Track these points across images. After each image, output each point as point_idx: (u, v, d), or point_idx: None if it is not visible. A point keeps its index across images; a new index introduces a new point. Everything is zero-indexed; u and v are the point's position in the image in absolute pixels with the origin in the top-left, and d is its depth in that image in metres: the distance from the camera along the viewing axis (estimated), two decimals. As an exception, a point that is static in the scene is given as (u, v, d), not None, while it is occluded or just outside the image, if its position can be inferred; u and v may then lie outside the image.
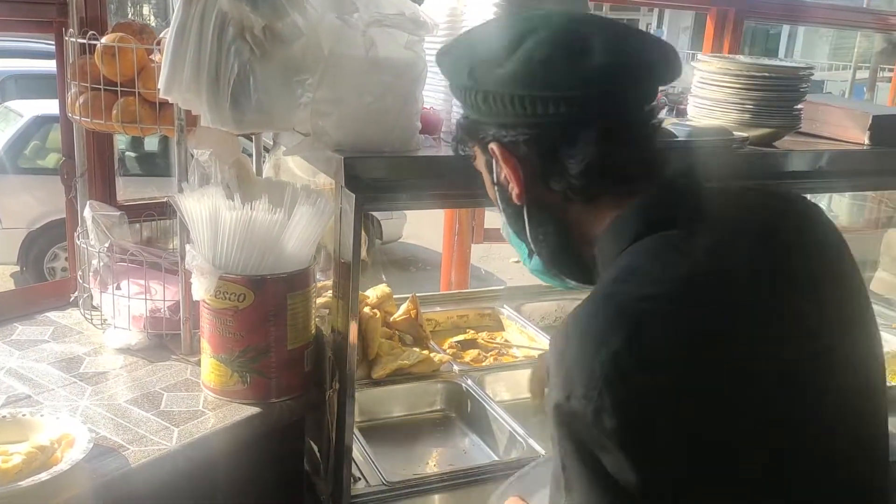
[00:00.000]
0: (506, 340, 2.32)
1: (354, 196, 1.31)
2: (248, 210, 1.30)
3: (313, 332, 1.47)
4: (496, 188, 1.05)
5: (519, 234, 1.09)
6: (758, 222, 1.00)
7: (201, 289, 1.35)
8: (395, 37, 1.34)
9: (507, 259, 6.91)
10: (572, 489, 0.85)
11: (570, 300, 2.55)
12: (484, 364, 2.14)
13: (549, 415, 0.87)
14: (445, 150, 1.52)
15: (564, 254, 1.06)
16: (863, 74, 17.07)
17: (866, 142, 1.83)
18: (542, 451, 1.65)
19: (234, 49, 1.34)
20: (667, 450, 0.82)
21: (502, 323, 2.43)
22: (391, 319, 2.13)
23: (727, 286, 0.89)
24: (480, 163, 1.07)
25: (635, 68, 0.97)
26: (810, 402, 0.89)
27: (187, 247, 1.37)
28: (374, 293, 2.17)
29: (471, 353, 2.19)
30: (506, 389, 2.04)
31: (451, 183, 1.43)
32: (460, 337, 2.29)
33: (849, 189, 1.85)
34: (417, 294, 2.46)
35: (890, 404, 1.01)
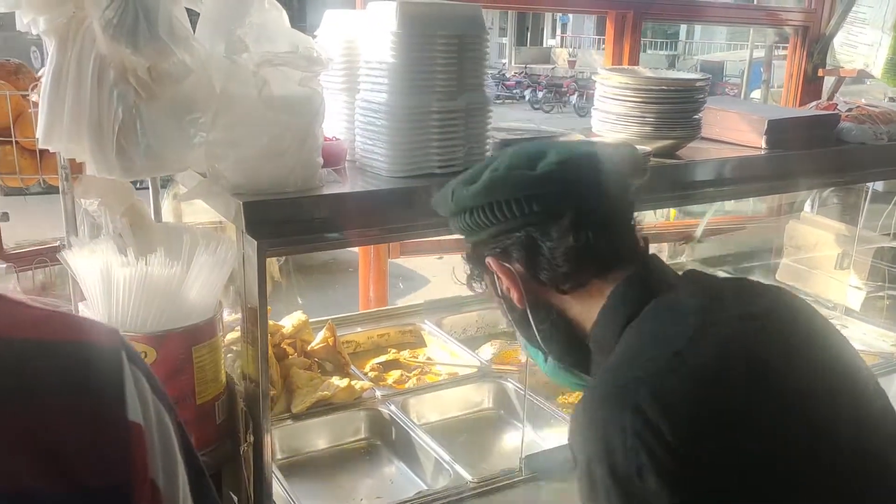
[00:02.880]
0: (428, 358, 2.29)
1: (257, 243, 1.26)
2: (142, 265, 1.23)
3: (223, 381, 1.41)
4: (502, 302, 1.17)
5: (530, 340, 1.19)
6: (731, 294, 1.10)
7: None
8: (289, 74, 1.29)
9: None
10: None
11: (490, 310, 2.55)
12: (407, 385, 2.11)
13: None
14: (351, 184, 1.48)
15: (572, 348, 1.14)
16: (759, 53, 17.73)
17: (763, 145, 1.88)
18: (469, 478, 1.63)
19: (116, 93, 1.27)
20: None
21: (424, 339, 2.41)
22: (308, 348, 2.08)
23: (720, 352, 0.96)
24: (490, 286, 1.18)
25: (589, 162, 1.10)
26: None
27: (80, 305, 1.29)
28: (289, 322, 2.11)
29: (393, 375, 2.16)
30: (430, 410, 2.02)
31: (362, 220, 1.40)
32: (382, 358, 2.26)
33: (750, 194, 1.90)
34: (336, 315, 2.43)
35: None
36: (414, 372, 2.20)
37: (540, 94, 20.25)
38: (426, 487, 1.73)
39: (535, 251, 1.08)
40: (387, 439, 1.90)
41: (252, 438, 1.33)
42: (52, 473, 0.57)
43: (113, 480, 0.60)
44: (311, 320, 2.19)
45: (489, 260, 1.13)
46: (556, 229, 1.06)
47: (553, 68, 24.96)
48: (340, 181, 1.48)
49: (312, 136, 1.35)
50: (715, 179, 1.75)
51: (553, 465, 1.68)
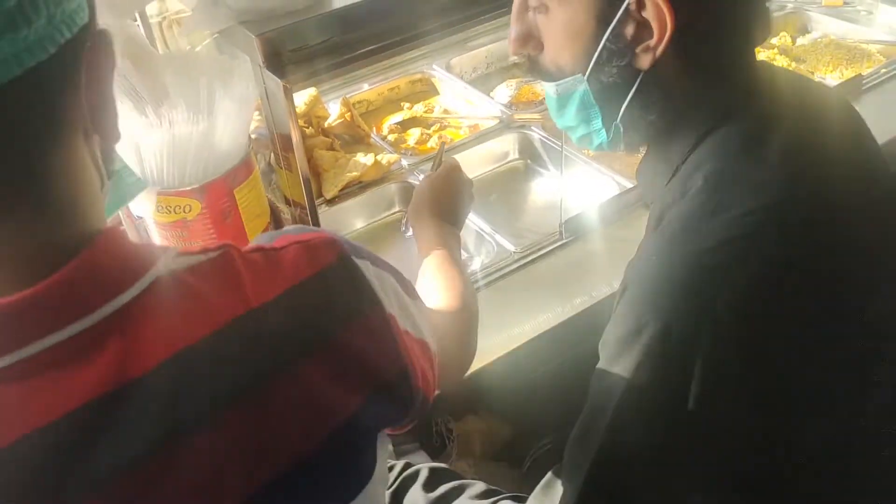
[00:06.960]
0: (445, 110, 2.23)
1: (282, 83, 1.16)
2: (167, 127, 1.13)
3: (268, 209, 1.39)
4: (604, 48, 0.85)
5: (603, 108, 0.92)
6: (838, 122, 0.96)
7: (140, 206, 1.24)
8: None
9: None
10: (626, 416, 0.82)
11: (499, 42, 2.41)
12: (429, 144, 2.09)
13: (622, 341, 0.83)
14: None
15: (662, 134, 0.92)
16: None
17: None
18: (512, 248, 1.68)
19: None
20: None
21: (435, 86, 2.32)
22: (325, 125, 2.01)
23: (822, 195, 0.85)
24: (565, 12, 0.88)
25: None
26: None
27: (110, 166, 1.22)
28: (300, 99, 2.01)
29: (413, 134, 2.13)
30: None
31: (398, 22, 1.26)
32: (398, 117, 2.20)
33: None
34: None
35: None
36: (433, 128, 2.16)
37: None
38: (467, 255, 1.79)
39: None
40: (421, 210, 1.92)
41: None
42: (367, 384, 0.67)
43: (400, 366, 0.71)
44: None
45: None
46: None
47: None
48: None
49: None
50: None
51: (591, 227, 1.72)
